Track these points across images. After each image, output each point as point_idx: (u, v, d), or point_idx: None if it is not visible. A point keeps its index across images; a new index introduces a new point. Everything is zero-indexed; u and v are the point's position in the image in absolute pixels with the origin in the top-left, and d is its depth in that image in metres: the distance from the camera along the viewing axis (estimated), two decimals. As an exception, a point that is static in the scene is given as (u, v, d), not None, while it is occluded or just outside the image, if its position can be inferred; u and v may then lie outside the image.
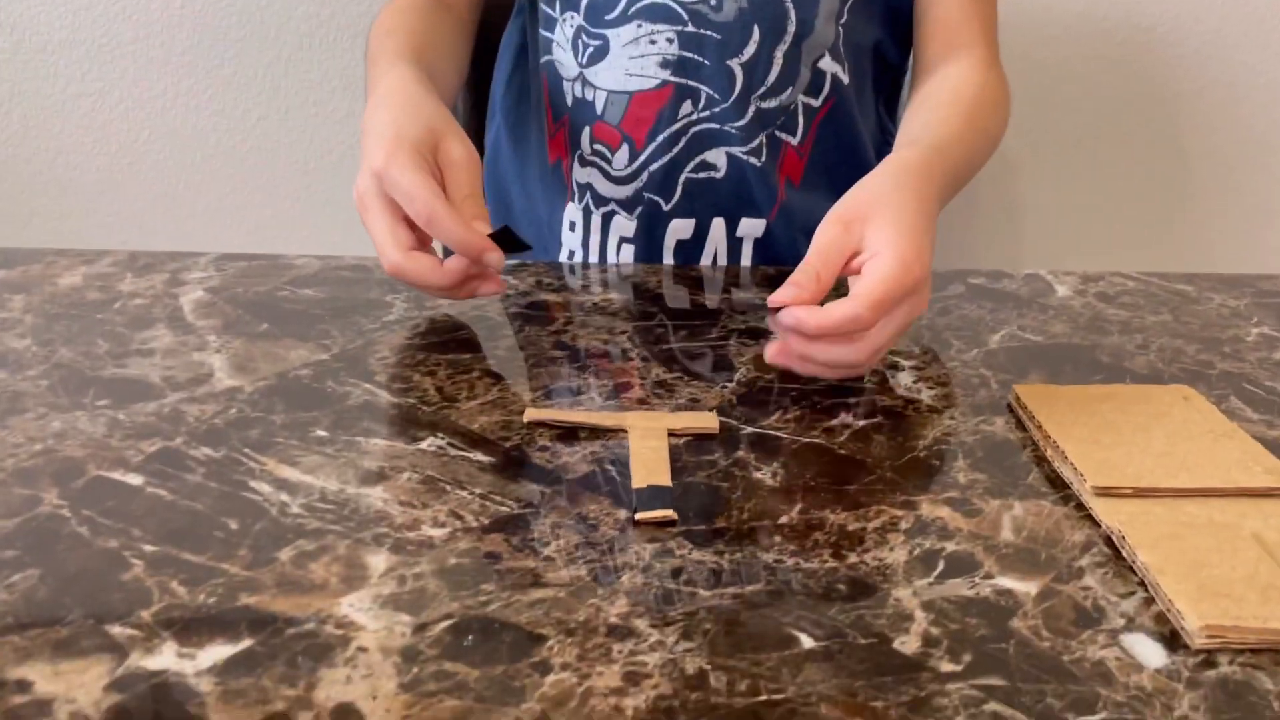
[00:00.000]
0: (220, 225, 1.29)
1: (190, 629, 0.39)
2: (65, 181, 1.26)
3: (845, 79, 0.81)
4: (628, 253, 0.83)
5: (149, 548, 0.43)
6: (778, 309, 0.55)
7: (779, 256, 0.83)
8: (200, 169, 1.26)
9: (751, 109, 0.80)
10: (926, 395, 0.59)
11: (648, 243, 0.83)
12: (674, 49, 0.79)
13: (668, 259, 0.83)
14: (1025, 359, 0.64)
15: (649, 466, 0.50)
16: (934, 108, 0.74)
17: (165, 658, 0.38)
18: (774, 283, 0.74)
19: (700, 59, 0.79)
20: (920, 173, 0.62)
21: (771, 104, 0.80)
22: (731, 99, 0.79)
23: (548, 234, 0.88)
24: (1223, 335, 0.68)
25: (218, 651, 0.38)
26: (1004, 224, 1.34)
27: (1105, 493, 0.49)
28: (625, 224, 0.83)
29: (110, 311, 0.65)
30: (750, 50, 0.78)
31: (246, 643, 0.38)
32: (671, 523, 0.46)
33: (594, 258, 0.85)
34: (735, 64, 0.78)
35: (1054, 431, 0.53)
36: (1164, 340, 0.67)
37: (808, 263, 0.56)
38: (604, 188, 0.83)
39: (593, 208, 0.84)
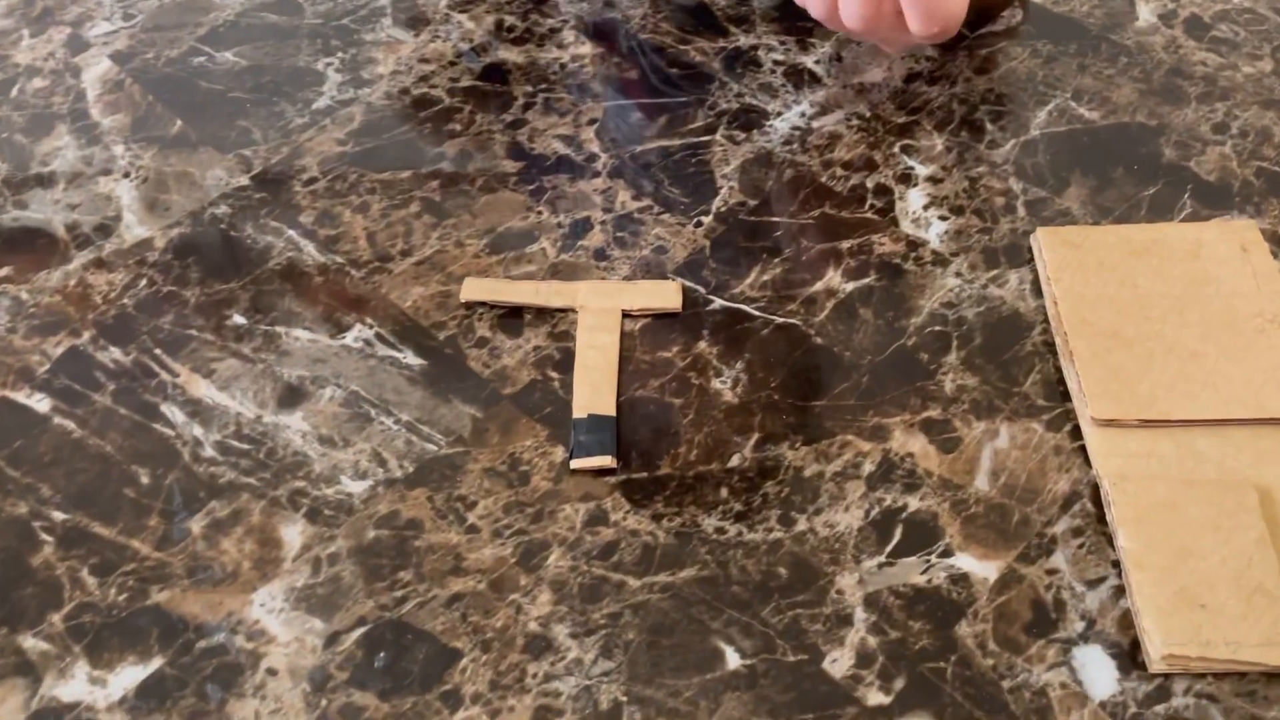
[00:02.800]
0: None
1: (101, 641, 0.38)
2: None
3: None
4: None
5: (59, 514, 0.42)
6: None
7: None
8: None
9: None
10: (935, 232, 0.50)
11: None
12: None
13: None
14: (1069, 157, 0.53)
15: (594, 381, 0.45)
16: None
17: (78, 684, 0.37)
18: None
19: None
20: None
21: None
22: None
23: None
24: (1328, 102, 0.55)
25: (128, 676, 0.38)
26: None
27: (1108, 424, 0.43)
28: None
29: (9, 104, 0.57)
30: None
31: (156, 662, 0.38)
32: (611, 471, 0.43)
33: None
34: None
35: (1068, 312, 0.46)
36: (1250, 116, 0.55)
37: None
38: None
39: None
